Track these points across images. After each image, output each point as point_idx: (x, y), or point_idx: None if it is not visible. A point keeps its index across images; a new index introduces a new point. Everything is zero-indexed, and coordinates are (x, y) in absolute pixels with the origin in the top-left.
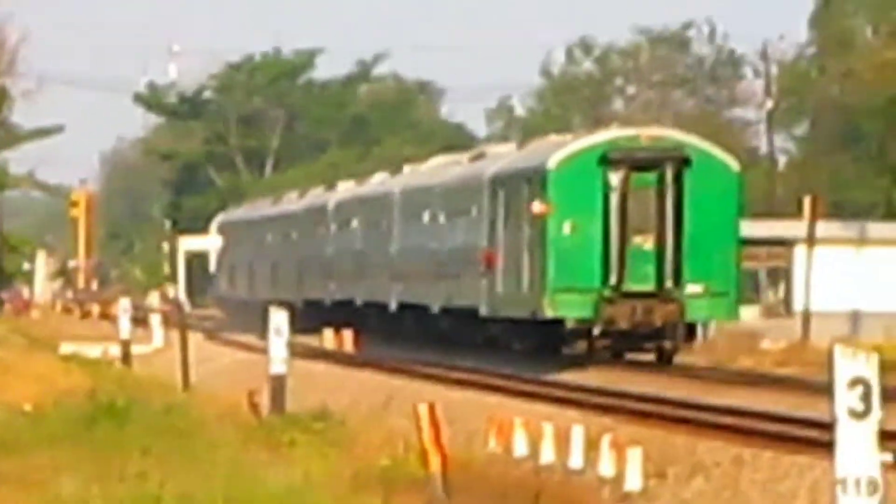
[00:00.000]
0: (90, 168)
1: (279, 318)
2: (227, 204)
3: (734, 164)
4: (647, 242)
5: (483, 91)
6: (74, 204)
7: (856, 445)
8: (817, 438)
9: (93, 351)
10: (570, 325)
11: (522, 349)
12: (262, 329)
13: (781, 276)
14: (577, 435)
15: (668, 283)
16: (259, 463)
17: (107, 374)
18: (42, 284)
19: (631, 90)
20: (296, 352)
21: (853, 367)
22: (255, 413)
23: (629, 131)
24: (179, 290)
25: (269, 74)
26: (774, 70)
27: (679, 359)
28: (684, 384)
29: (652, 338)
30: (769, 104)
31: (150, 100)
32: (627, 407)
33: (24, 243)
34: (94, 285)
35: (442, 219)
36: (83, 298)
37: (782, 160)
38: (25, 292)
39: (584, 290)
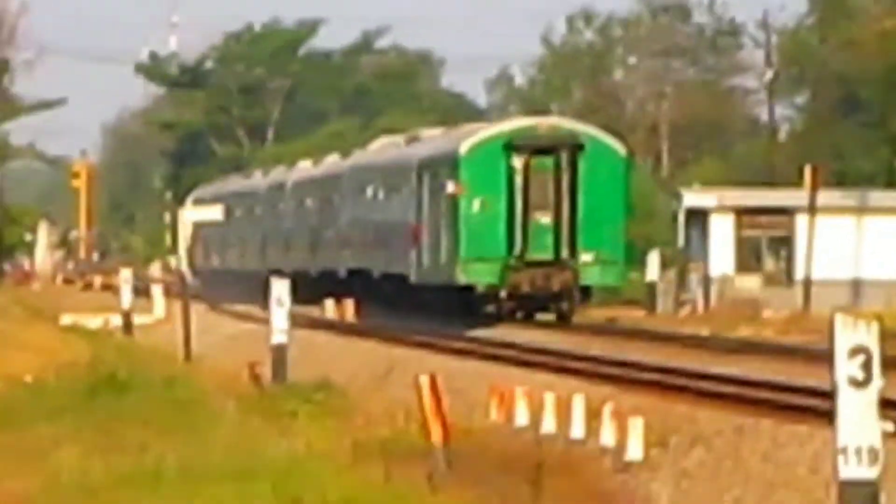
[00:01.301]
0: (91, 139)
1: (281, 288)
2: (228, 174)
3: (622, 149)
4: (545, 217)
5: (483, 61)
6: (76, 175)
7: (856, 414)
8: (818, 407)
9: (94, 322)
10: (480, 289)
11: (445, 310)
12: (257, 298)
13: (783, 245)
14: (578, 405)
15: (565, 253)
16: (260, 434)
17: (108, 344)
18: (43, 256)
19: (632, 60)
20: (297, 322)
21: (854, 335)
22: (257, 384)
23: (530, 121)
24: (181, 261)
25: (271, 45)
26: (775, 40)
27: (679, 329)
28: (685, 353)
29: (551, 300)
30: (769, 74)
31: (151, 70)
32: (628, 376)
33: (25, 214)
34: (96, 256)
35: (381, 195)
36: (85, 269)
37: (784, 129)
38: (26, 263)
39: (491, 259)
